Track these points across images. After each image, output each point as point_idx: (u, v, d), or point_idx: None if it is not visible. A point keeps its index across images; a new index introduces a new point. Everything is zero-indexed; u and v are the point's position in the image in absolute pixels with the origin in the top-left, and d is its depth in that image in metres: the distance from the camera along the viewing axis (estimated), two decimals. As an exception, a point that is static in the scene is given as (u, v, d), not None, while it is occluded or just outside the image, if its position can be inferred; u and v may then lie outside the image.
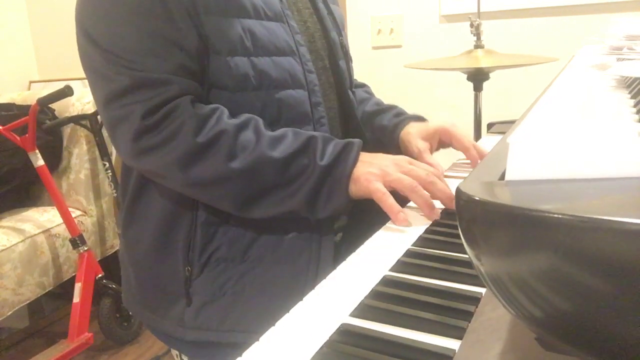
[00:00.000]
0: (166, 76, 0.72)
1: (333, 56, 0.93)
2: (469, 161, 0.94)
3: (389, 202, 0.70)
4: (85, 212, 2.11)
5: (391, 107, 1.05)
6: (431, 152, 0.94)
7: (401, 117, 1.00)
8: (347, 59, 0.99)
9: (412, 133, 0.95)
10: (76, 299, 1.84)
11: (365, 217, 0.84)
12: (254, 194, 0.74)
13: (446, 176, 0.89)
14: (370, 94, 1.12)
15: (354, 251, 0.63)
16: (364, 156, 0.75)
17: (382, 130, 1.00)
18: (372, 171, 0.73)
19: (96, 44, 0.74)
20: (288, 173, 0.73)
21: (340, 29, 0.98)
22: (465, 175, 0.43)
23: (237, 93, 0.77)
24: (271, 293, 0.76)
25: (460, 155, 0.97)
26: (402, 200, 0.73)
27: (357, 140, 0.76)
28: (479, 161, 0.88)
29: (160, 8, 0.72)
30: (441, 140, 0.96)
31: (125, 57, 0.72)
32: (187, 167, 0.73)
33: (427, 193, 0.71)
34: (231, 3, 0.76)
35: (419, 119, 1.00)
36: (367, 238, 0.66)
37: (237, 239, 0.77)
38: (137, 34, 0.72)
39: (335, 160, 0.73)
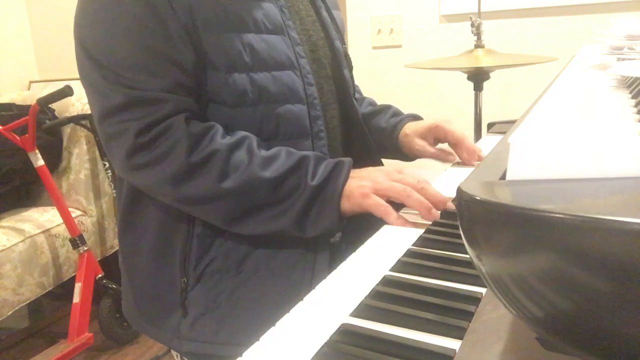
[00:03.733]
0: (161, 94, 0.72)
1: (337, 65, 0.93)
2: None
3: (394, 216, 0.71)
4: (85, 212, 2.11)
5: (387, 107, 1.06)
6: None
7: (398, 118, 1.03)
8: (350, 67, 1.00)
9: (409, 134, 0.99)
10: (76, 299, 1.84)
11: (364, 217, 0.84)
12: (244, 212, 0.74)
13: (456, 164, 0.97)
14: (360, 93, 1.13)
15: (354, 251, 0.63)
16: (355, 172, 0.75)
17: (380, 132, 1.02)
18: (363, 184, 0.73)
19: (93, 59, 0.74)
20: (279, 193, 0.73)
21: (342, 37, 0.98)
22: (472, 168, 0.43)
23: (236, 108, 0.76)
24: (265, 306, 0.76)
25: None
26: (397, 207, 0.73)
27: (347, 160, 0.76)
28: (473, 151, 0.95)
29: (157, 25, 0.72)
30: (436, 137, 0.99)
31: (121, 74, 0.72)
32: (178, 185, 0.73)
33: (421, 196, 0.71)
34: (231, 17, 0.75)
35: (415, 117, 1.03)
36: (367, 238, 0.66)
37: (232, 251, 0.77)
38: (133, 50, 0.72)
39: (326, 179, 0.73)
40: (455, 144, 0.97)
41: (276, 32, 0.81)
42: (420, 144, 0.96)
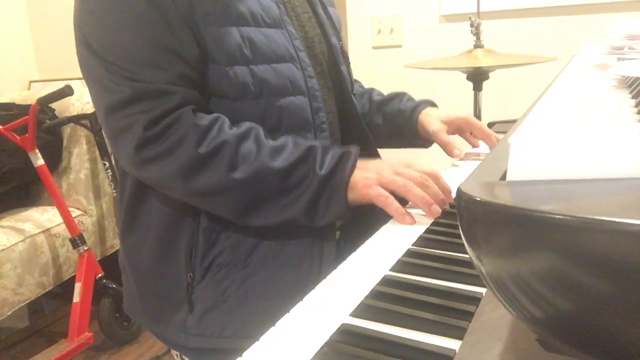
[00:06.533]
0: (167, 86, 0.72)
1: (333, 61, 0.93)
2: (478, 151, 1.02)
3: (394, 207, 0.71)
4: (85, 212, 2.11)
5: (402, 93, 1.08)
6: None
7: (417, 102, 1.05)
8: (347, 63, 1.00)
9: (431, 115, 1.00)
10: (76, 298, 1.84)
11: (365, 216, 0.84)
12: (254, 203, 0.74)
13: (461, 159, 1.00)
14: (362, 87, 1.14)
15: (354, 250, 0.63)
16: (361, 163, 0.76)
17: (398, 113, 1.03)
18: (368, 175, 0.74)
19: (96, 54, 0.73)
20: (288, 182, 0.73)
21: (339, 33, 0.99)
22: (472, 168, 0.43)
23: (237, 101, 0.77)
24: (274, 298, 0.76)
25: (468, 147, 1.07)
26: (401, 202, 0.73)
27: (354, 148, 0.77)
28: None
29: (159, 18, 0.72)
30: (459, 129, 1.01)
31: (125, 68, 0.72)
32: (188, 177, 0.73)
33: (421, 191, 0.72)
34: (229, 11, 0.76)
35: (432, 104, 1.05)
36: (367, 237, 0.66)
37: (239, 244, 0.77)
38: (137, 44, 0.72)
39: (334, 169, 0.74)
40: (484, 138, 0.99)
41: (274, 26, 0.81)
42: (437, 126, 0.97)
